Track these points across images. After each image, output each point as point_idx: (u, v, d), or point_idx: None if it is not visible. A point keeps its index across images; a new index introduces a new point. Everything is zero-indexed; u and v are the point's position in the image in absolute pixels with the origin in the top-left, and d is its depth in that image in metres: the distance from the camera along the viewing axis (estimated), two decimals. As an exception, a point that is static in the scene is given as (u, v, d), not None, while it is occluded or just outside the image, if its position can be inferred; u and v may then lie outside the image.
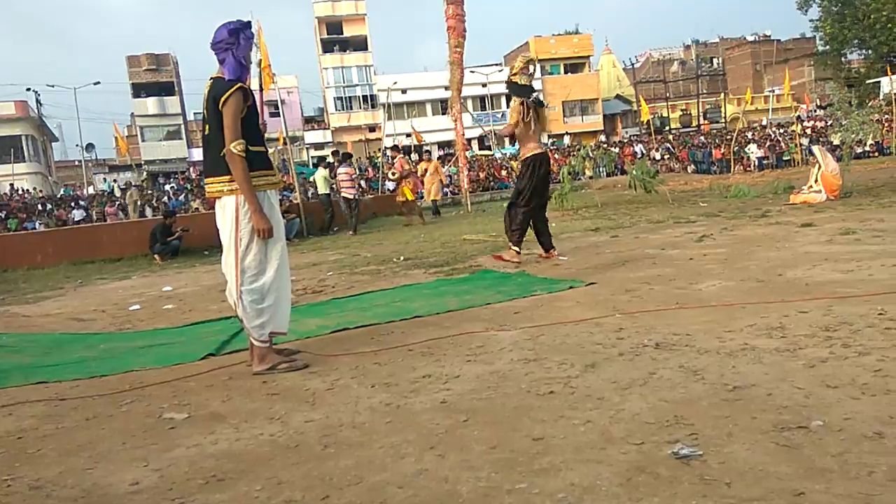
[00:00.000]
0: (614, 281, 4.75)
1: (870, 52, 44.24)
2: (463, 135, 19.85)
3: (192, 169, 38.12)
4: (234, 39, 3.18)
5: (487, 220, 14.93)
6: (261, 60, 12.71)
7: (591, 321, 3.50)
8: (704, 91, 52.31)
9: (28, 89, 39.13)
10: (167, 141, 44.49)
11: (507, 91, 6.85)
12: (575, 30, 55.33)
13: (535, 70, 6.83)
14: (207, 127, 3.22)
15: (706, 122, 46.73)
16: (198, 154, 31.71)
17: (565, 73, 50.74)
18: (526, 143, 6.32)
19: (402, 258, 7.69)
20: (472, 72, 43.93)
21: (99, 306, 6.54)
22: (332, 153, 15.34)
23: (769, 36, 61.52)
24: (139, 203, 23.04)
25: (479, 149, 43.05)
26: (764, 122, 41.53)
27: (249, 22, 3.27)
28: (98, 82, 39.48)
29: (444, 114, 42.18)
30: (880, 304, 3.13)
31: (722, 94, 50.72)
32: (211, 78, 3.27)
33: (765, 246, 5.56)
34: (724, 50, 61.83)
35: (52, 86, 46.90)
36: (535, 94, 6.53)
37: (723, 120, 48.03)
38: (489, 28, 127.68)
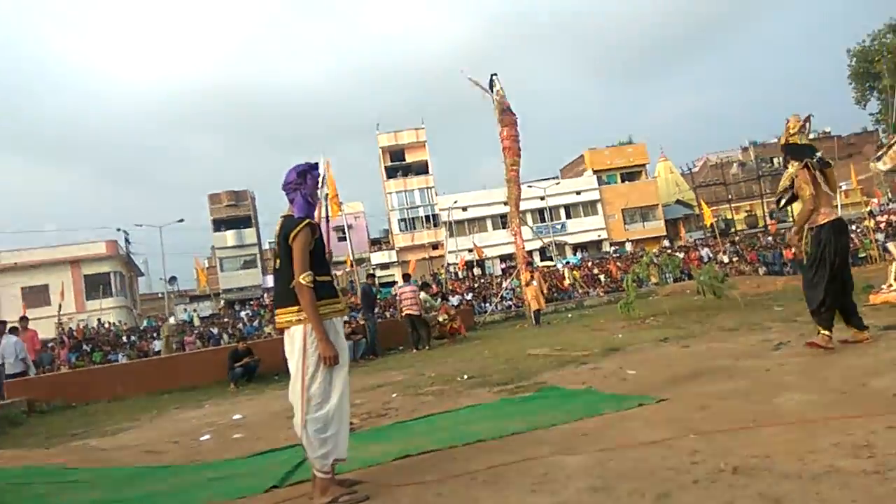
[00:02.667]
0: (686, 396, 4.55)
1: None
2: (523, 248, 20.02)
3: (265, 295, 39.65)
4: (302, 180, 3.45)
5: (552, 332, 14.76)
6: (327, 194, 13.53)
7: (663, 443, 3.34)
8: (767, 191, 51.54)
9: (118, 229, 42.35)
10: (244, 270, 46.75)
11: (784, 154, 6.12)
12: (629, 140, 56.43)
13: (811, 128, 6.24)
14: (278, 261, 3.43)
15: (772, 221, 45.71)
16: (271, 281, 33.22)
17: (622, 181, 51.33)
18: (817, 208, 5.61)
19: (465, 377, 7.63)
20: (530, 186, 45.06)
21: (172, 437, 6.69)
22: (368, 275, 15.77)
23: (829, 132, 60.98)
24: (173, 339, 22.13)
25: (541, 260, 43.20)
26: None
27: (316, 163, 3.54)
28: (182, 220, 42.45)
29: (504, 228, 42.92)
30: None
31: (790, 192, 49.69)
32: (282, 216, 3.52)
33: (846, 353, 5.24)
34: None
35: (140, 225, 50.59)
36: (818, 154, 5.92)
37: (790, 217, 46.84)
38: (545, 143, 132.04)
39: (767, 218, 47.16)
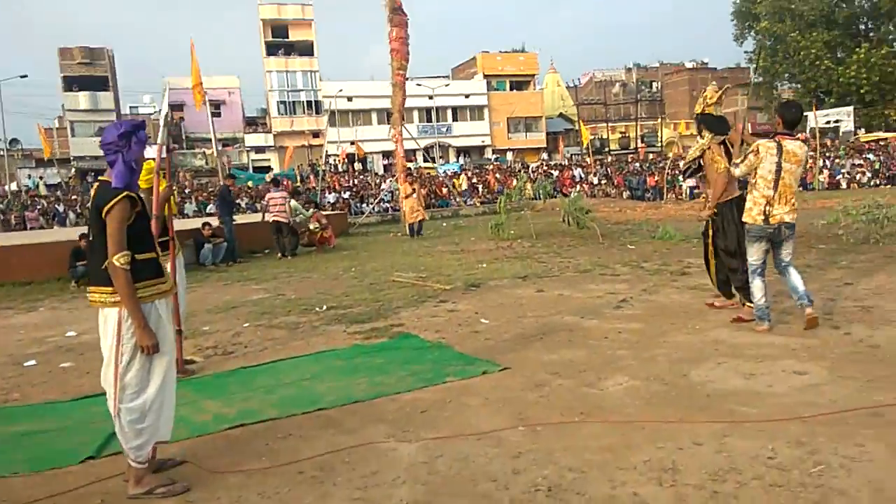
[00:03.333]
0: (527, 365, 4.72)
1: (799, 86, 46.46)
2: (403, 156, 19.65)
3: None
4: (126, 143, 2.99)
5: (423, 248, 14.88)
6: (188, 93, 12.38)
7: (493, 436, 3.44)
8: (643, 115, 53.85)
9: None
10: (98, 137, 42.63)
11: (698, 123, 5.98)
12: (522, 48, 56.15)
13: (724, 99, 6.09)
14: (91, 233, 3.02)
15: (643, 145, 48.09)
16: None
17: (511, 90, 51.34)
18: (729, 183, 5.66)
19: (324, 307, 7.49)
20: (419, 84, 43.96)
21: (-9, 358, 6.12)
22: (227, 176, 15.01)
23: (707, 63, 63.88)
24: None
25: (423, 161, 43.02)
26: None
27: (142, 123, 3.07)
28: (25, 75, 37.44)
29: (388, 123, 42.03)
30: (773, 437, 3.17)
31: (659, 119, 52.28)
32: (98, 180, 3.07)
33: (678, 324, 5.64)
34: (664, 75, 63.83)
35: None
36: (729, 127, 5.83)
37: (659, 144, 49.54)
38: (437, 41, 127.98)
39: (639, 141, 49.47)
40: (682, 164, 5.96)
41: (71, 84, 42.16)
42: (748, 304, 5.44)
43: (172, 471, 3.23)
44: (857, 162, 30.87)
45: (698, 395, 3.90)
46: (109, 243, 2.89)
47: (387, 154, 44.48)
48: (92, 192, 3.06)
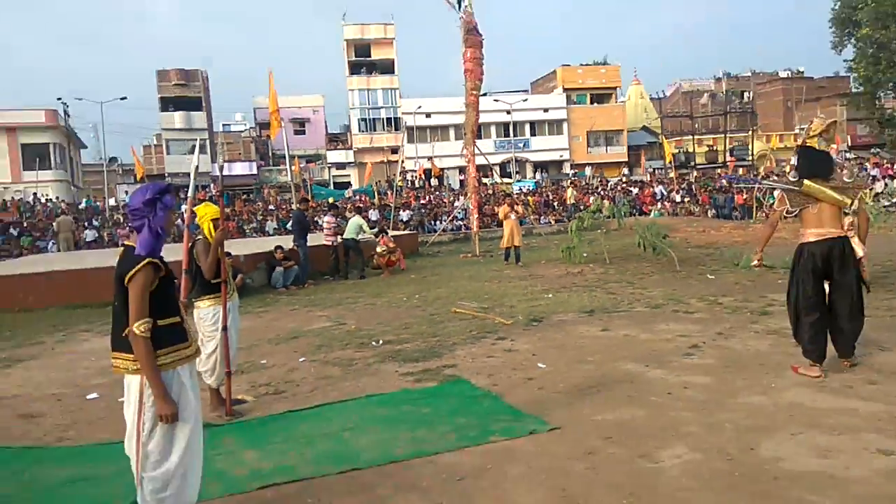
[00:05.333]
0: (579, 425, 4.42)
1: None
2: (475, 176, 19.49)
3: (213, 185, 38.38)
4: (151, 209, 2.96)
5: (491, 268, 14.65)
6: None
7: (529, 516, 3.19)
8: (733, 127, 51.49)
9: (58, 99, 39.78)
10: (191, 154, 44.98)
11: (797, 157, 5.59)
12: (603, 60, 55.02)
13: (834, 134, 5.74)
14: (115, 299, 3.00)
15: (732, 158, 45.91)
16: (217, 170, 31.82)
17: (591, 103, 50.41)
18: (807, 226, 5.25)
19: (380, 342, 7.39)
20: (496, 100, 43.93)
21: (58, 386, 6.37)
22: (301, 200, 15.19)
23: (802, 73, 60.55)
24: (71, 239, 21.04)
25: (500, 176, 42.84)
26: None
27: (168, 186, 3.03)
28: (125, 97, 39.97)
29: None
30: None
31: (751, 131, 49.83)
32: (123, 244, 3.06)
33: (750, 380, 5.16)
34: (756, 85, 60.90)
35: (80, 99, 47.74)
36: (833, 166, 5.46)
37: (750, 157, 47.19)
38: (517, 55, 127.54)
39: (727, 154, 47.31)
40: (777, 210, 5.39)
41: (167, 104, 44.67)
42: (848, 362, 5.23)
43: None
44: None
45: (766, 476, 3.48)
46: (131, 310, 2.86)
47: (462, 170, 44.60)
48: (118, 257, 3.05)
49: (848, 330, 5.20)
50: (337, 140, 50.43)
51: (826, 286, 5.30)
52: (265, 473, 3.93)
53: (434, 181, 40.50)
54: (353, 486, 3.70)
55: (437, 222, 26.73)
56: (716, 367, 5.62)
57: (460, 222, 26.53)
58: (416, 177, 40.98)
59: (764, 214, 26.70)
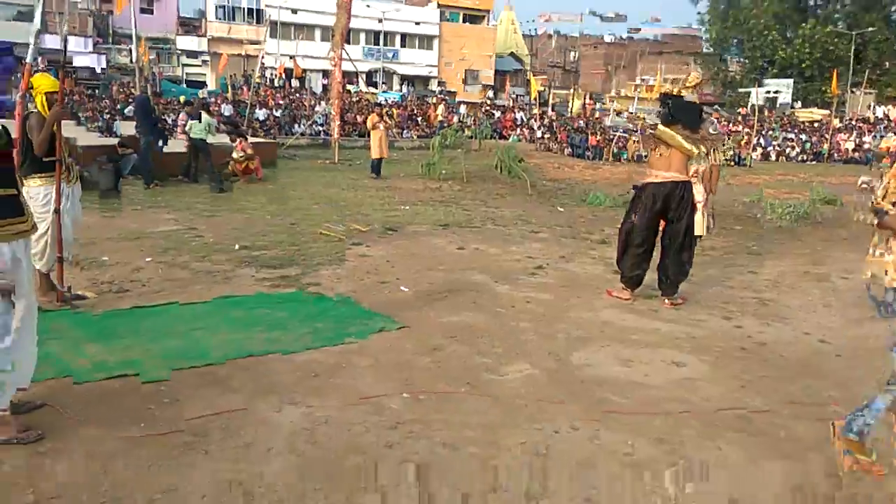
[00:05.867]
0: (427, 325, 4.77)
1: (747, 61, 47.09)
2: (342, 80, 18.92)
3: (41, 59, 33.75)
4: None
5: (350, 176, 14.54)
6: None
7: (376, 402, 3.47)
8: (557, 83, 53.39)
9: None
10: (17, 21, 38.99)
11: (663, 104, 5.81)
12: (479, -20, 54.21)
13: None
14: None
15: (590, 101, 47.76)
16: (52, 41, 27.52)
17: (464, 22, 49.97)
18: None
19: (236, 247, 7.16)
20: (368, 5, 42.22)
21: None
22: (151, 92, 13.76)
23: (658, 19, 63.63)
24: None
25: (367, 85, 41.73)
26: (631, 110, 43.17)
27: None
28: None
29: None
30: (636, 430, 3.29)
31: (572, 90, 51.39)
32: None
33: (584, 298, 5.75)
34: (582, 46, 62.90)
35: None
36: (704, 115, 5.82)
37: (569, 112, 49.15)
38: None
39: (586, 98, 49.17)
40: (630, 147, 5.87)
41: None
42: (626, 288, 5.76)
43: (28, 415, 3.11)
44: (788, 136, 31.99)
45: (579, 379, 3.99)
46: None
47: (326, 74, 42.87)
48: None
49: (672, 270, 5.63)
50: (189, 24, 46.05)
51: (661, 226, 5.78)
52: (110, 366, 3.84)
53: (295, 82, 38.64)
54: (205, 379, 3.74)
55: (296, 125, 25.77)
56: (555, 285, 6.19)
57: (320, 128, 25.76)
58: (275, 75, 38.82)
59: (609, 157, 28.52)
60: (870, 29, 41.02)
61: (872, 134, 32.07)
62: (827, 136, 30.84)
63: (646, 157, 5.84)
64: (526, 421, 3.35)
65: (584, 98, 46.09)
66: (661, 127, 5.58)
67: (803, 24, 42.94)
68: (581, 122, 32.35)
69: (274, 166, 15.40)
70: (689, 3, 52.36)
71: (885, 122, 36.23)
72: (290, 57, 38.30)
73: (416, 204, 10.76)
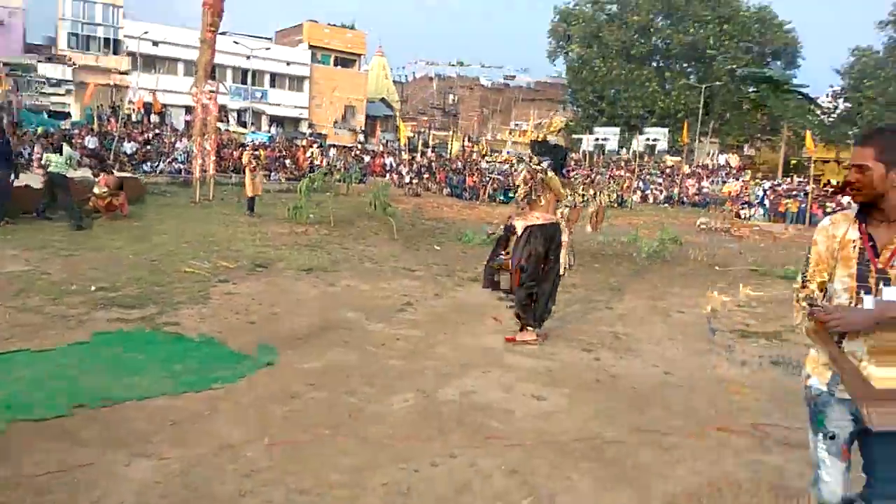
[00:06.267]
0: (294, 366, 4.70)
1: (580, 109, 50.95)
2: (203, 118, 18.28)
3: None
4: None
5: (223, 212, 14.08)
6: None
7: (234, 450, 3.37)
8: (437, 125, 55.57)
9: None
10: None
11: (533, 150, 6.08)
12: (352, 24, 55.11)
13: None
14: None
15: (469, 144, 49.44)
16: None
17: (335, 65, 50.33)
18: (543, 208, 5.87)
19: (92, 288, 6.67)
20: (237, 42, 41.50)
21: None
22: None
23: (513, 78, 66.99)
24: None
25: (236, 123, 40.65)
26: (507, 152, 45.46)
27: None
28: None
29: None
30: (495, 461, 3.44)
31: (451, 132, 53.41)
32: None
33: (451, 333, 5.92)
34: (459, 88, 65.95)
35: None
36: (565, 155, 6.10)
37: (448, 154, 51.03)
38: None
39: (465, 140, 50.93)
40: (521, 190, 6.03)
41: None
42: (529, 328, 5.84)
43: None
44: (658, 180, 35.08)
45: (456, 411, 4.11)
46: None
47: (189, 109, 41.30)
48: None
49: (542, 309, 5.88)
50: (38, 50, 42.72)
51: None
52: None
53: (155, 118, 36.84)
54: (52, 432, 3.46)
55: (158, 163, 24.53)
56: (426, 321, 6.34)
57: (181, 165, 24.68)
58: (133, 110, 36.84)
59: (487, 198, 29.63)
60: (717, 83, 45.85)
61: (711, 179, 35.75)
62: (677, 180, 34.08)
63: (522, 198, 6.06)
64: (390, 461, 3.38)
65: (463, 140, 47.84)
66: (550, 174, 5.84)
67: (647, 83, 47.17)
68: (459, 163, 33.41)
69: (142, 202, 14.54)
70: (547, 61, 56.20)
71: (727, 168, 40.51)
72: (150, 91, 36.62)
73: (280, 248, 10.54)
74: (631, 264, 11.15)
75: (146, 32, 40.50)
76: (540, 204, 5.86)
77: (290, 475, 3.14)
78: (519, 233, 5.90)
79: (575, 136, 46.36)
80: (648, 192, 33.47)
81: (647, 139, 44.24)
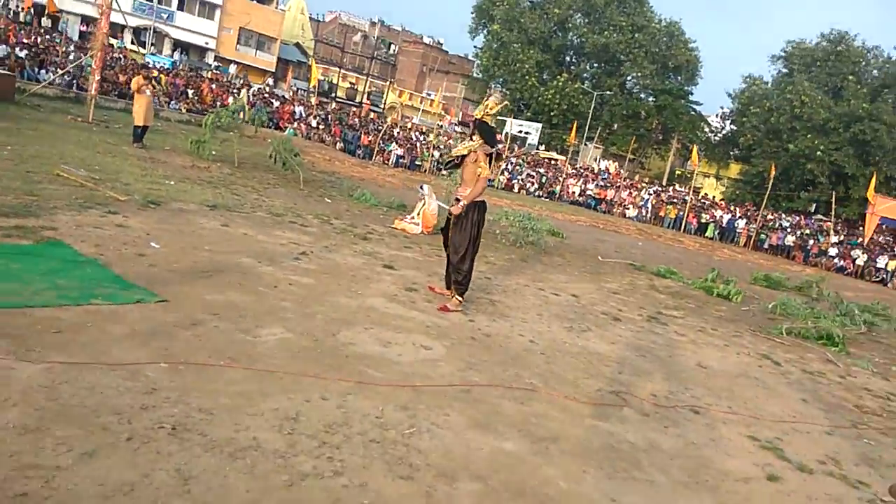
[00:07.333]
0: (188, 301, 4.70)
1: (508, 92, 52.23)
2: (107, 33, 17.15)
3: None
4: None
5: (106, 140, 13.35)
6: None
7: (131, 368, 3.41)
8: (375, 73, 55.14)
9: None
10: None
11: (474, 127, 6.26)
12: (274, -40, 52.56)
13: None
14: None
15: (368, 102, 49.22)
16: None
17: (251, -1, 48.00)
18: (480, 188, 6.04)
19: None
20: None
21: None
22: None
23: (441, 44, 67.85)
24: None
25: (131, 43, 37.84)
26: (415, 120, 45.65)
27: None
28: None
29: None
30: (385, 399, 3.74)
31: (388, 82, 54.06)
32: None
33: (344, 286, 6.13)
34: (402, 41, 66.08)
35: None
36: (499, 142, 6.06)
37: (382, 106, 51.28)
38: None
39: (365, 97, 50.50)
40: (443, 155, 6.24)
41: None
42: (458, 298, 6.16)
43: None
44: (531, 173, 36.06)
45: (340, 354, 4.35)
46: None
47: (88, 20, 38.06)
48: None
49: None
50: None
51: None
52: None
53: (46, 22, 33.70)
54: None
55: (44, 71, 22.57)
56: (318, 271, 6.47)
57: (72, 79, 22.88)
58: (21, 8, 33.48)
59: (381, 159, 29.65)
60: (608, 92, 48.22)
61: (595, 182, 37.53)
62: (560, 178, 35.50)
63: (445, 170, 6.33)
64: (280, 391, 3.57)
65: (401, 96, 47.50)
66: (494, 155, 6.26)
67: (558, 77, 48.93)
68: (356, 119, 33.14)
69: (11, 103, 13.42)
70: (468, 36, 56.87)
71: (606, 174, 42.67)
72: (42, -10, 33.32)
73: (181, 181, 10.23)
74: (493, 241, 11.61)
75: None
76: (474, 180, 6.10)
77: (190, 395, 3.25)
78: (463, 209, 6.08)
79: (500, 117, 47.26)
80: (515, 181, 33.92)
81: (520, 130, 45.73)
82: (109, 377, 3.27)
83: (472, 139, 6.29)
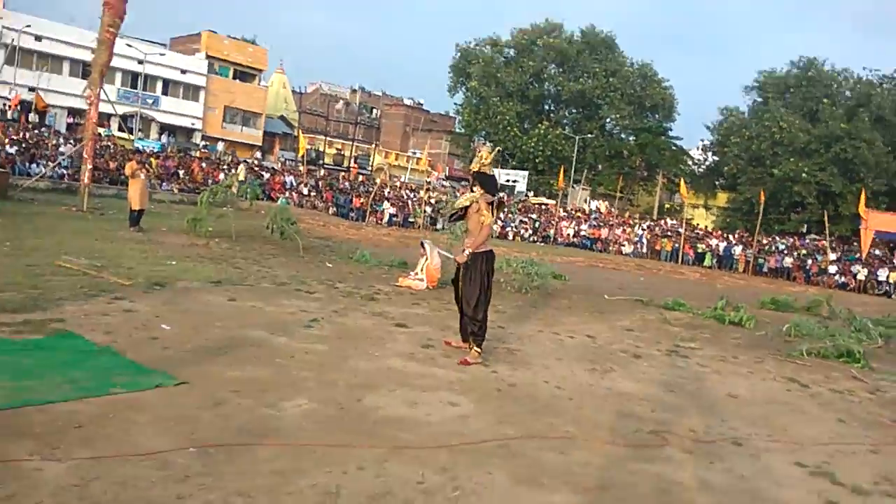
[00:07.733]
0: (207, 380, 4.58)
1: (492, 144, 53.12)
2: (96, 122, 17.42)
3: None
4: None
5: (103, 226, 13.38)
6: None
7: (159, 457, 3.28)
8: (360, 137, 56.21)
9: None
10: None
11: (473, 179, 6.41)
12: (253, 40, 54.18)
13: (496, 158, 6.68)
14: None
15: (355, 165, 49.91)
16: None
17: (234, 78, 49.11)
18: (484, 236, 6.13)
19: (-38, 290, 6.24)
20: (129, 45, 39.56)
21: None
22: None
23: (422, 104, 69.36)
24: None
25: (119, 130, 38.47)
26: (403, 179, 46.20)
27: None
28: None
29: (83, 77, 36.45)
30: (423, 462, 3.60)
31: (374, 144, 55.04)
32: None
33: (360, 349, 6.02)
34: (384, 105, 67.64)
35: None
36: (499, 192, 6.44)
37: (370, 167, 51.99)
38: (161, 6, 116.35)
39: (352, 161, 51.21)
40: (448, 208, 6.33)
41: None
42: (476, 350, 6.07)
43: None
44: (523, 219, 36.30)
45: (369, 420, 4.23)
46: None
47: (74, 112, 38.76)
48: None
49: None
50: None
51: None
52: None
53: (34, 117, 34.30)
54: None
55: (35, 165, 22.80)
56: (331, 337, 6.38)
57: (64, 171, 23.12)
58: (8, 107, 34.12)
59: (374, 219, 29.82)
60: (589, 135, 49.10)
61: (588, 223, 37.80)
62: (553, 221, 35.72)
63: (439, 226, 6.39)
64: (315, 466, 3.44)
65: (387, 157, 48.29)
66: (495, 204, 6.35)
67: (539, 125, 49.91)
68: (346, 182, 33.45)
69: (5, 199, 13.47)
70: (447, 95, 58.48)
71: (597, 213, 43.06)
72: (31, 89, 34.15)
73: (183, 260, 10.20)
74: (498, 290, 11.49)
75: (29, 26, 37.77)
76: (478, 229, 6.15)
77: (225, 479, 3.12)
78: (468, 257, 6.10)
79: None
80: (508, 229, 33.96)
81: (507, 179, 46.34)
82: (139, 468, 3.14)
83: (472, 190, 6.37)
